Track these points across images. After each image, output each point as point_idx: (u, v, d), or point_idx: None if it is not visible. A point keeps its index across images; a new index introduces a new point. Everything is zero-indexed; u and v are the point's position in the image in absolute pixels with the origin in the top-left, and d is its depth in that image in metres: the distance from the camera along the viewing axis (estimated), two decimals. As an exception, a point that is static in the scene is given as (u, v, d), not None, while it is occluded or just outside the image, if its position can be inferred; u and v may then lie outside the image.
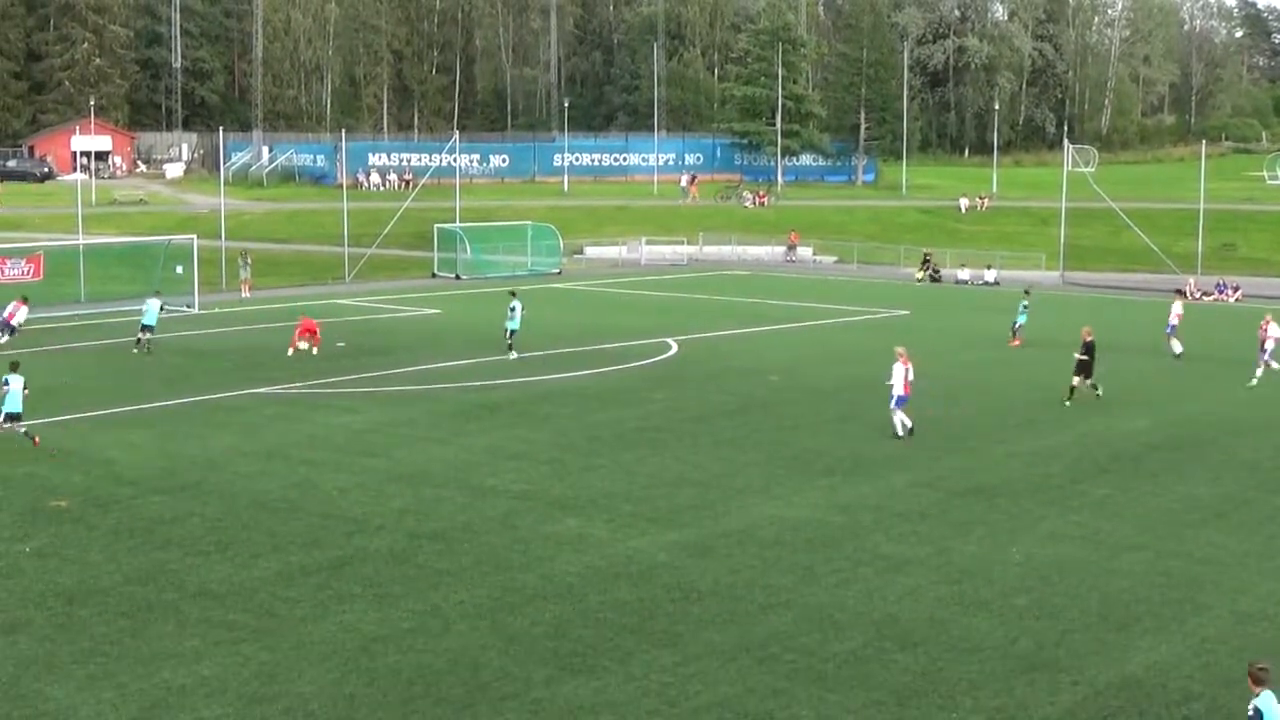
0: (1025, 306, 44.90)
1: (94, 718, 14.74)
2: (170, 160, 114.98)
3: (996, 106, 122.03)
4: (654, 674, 16.04)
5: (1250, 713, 12.59)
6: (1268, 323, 37.26)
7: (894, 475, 25.73)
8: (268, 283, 59.04)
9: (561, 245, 69.89)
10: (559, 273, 67.42)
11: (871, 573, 19.87)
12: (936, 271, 69.40)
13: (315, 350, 39.57)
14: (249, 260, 57.71)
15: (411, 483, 24.67)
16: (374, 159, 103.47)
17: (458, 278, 64.34)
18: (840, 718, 15.01)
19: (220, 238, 61.21)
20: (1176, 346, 41.23)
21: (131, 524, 21.87)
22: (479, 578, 19.41)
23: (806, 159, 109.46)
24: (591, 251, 75.85)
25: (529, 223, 72.39)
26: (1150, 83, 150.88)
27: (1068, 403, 32.64)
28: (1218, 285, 62.54)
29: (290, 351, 39.45)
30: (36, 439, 26.99)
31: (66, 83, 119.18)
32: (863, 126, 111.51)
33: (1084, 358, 33.07)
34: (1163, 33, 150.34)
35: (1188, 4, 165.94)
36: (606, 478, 25.30)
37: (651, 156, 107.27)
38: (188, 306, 50.37)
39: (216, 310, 50.83)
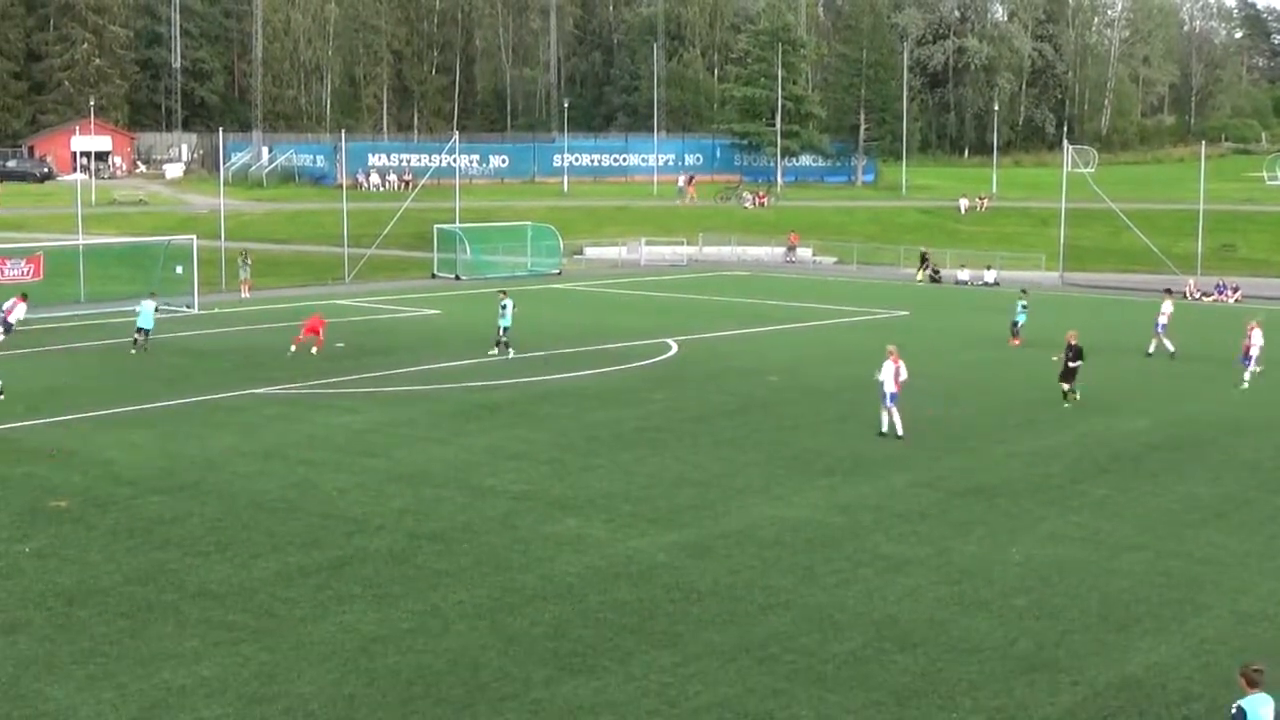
0: (1024, 306, 44.96)
1: (94, 718, 14.74)
2: (170, 160, 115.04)
3: (996, 107, 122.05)
4: (654, 674, 16.03)
5: (1233, 712, 12.18)
6: (1253, 328, 37.06)
7: (894, 475, 25.72)
8: (267, 283, 59.05)
9: (561, 246, 69.89)
10: (559, 273, 67.42)
11: (871, 573, 19.86)
12: (936, 272, 69.39)
13: (316, 350, 39.55)
14: (249, 261, 57.72)
15: (411, 483, 24.66)
16: (374, 159, 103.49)
17: (457, 278, 64.34)
18: (840, 718, 15.00)
19: (220, 238, 61.21)
20: (1169, 345, 41.20)
21: (131, 524, 21.86)
22: (479, 578, 19.41)
23: (806, 160, 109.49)
24: (591, 252, 75.85)
25: (529, 223, 72.40)
26: (1150, 83, 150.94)
27: (1067, 404, 32.62)
28: (1217, 286, 62.53)
29: (292, 349, 39.37)
30: None
31: (66, 83, 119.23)
32: (862, 127, 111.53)
33: (1074, 364, 32.79)
34: (1162, 33, 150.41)
35: (1187, 5, 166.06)
36: (606, 478, 25.30)
37: (651, 157, 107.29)
38: (187, 307, 50.37)
39: (216, 310, 50.83)
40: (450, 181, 74.08)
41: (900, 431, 28.86)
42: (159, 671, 15.91)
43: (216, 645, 16.71)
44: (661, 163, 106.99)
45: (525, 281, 63.39)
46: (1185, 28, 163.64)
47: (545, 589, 18.97)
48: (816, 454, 27.49)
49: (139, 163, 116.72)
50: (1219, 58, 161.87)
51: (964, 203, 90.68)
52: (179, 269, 52.59)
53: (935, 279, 68.67)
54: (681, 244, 77.61)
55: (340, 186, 74.83)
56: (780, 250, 78.45)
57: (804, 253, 78.25)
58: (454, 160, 74.96)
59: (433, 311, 51.65)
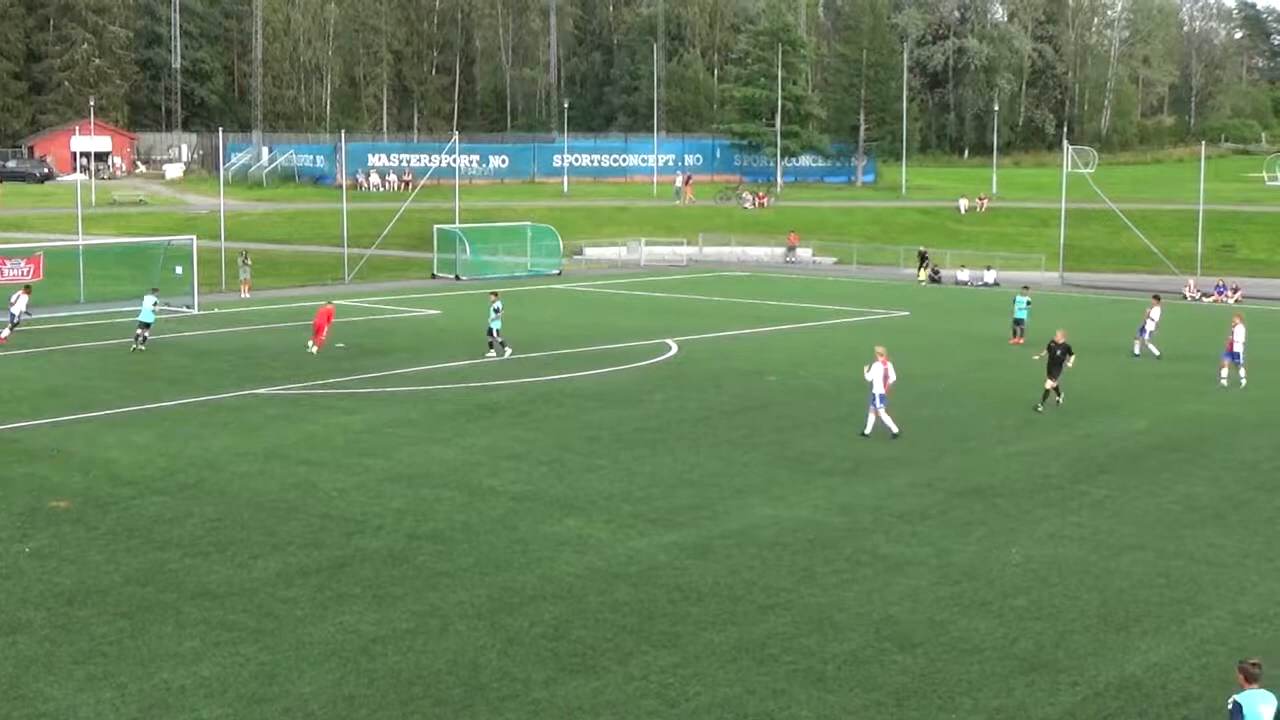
0: (1028, 303, 44.97)
1: (93, 718, 14.74)
2: (170, 161, 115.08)
3: (996, 107, 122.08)
4: (653, 675, 16.04)
5: (1229, 706, 12.10)
6: (1236, 324, 36.94)
7: (894, 476, 25.73)
8: (267, 283, 59.07)
9: (561, 246, 69.91)
10: (559, 273, 67.44)
11: (871, 574, 19.87)
12: (936, 272, 69.36)
13: (315, 348, 39.57)
14: (248, 261, 57.73)
15: (411, 483, 24.67)
16: (374, 160, 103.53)
17: (457, 278, 64.34)
18: (840, 718, 15.01)
19: (220, 238, 61.23)
20: (1153, 350, 41.17)
21: (131, 524, 21.86)
22: (478, 578, 19.41)
23: (806, 160, 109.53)
24: (591, 252, 75.86)
25: (528, 223, 72.44)
26: (1150, 84, 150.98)
27: (1040, 409, 32.18)
28: (1217, 286, 62.53)
29: (315, 349, 39.45)
30: None
31: (66, 83, 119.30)
32: (862, 127, 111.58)
33: (1066, 359, 32.43)
34: (1162, 34, 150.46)
35: (1187, 5, 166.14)
36: (606, 478, 25.30)
37: (651, 157, 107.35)
38: (187, 307, 50.37)
39: (216, 311, 50.83)
40: (450, 182, 74.09)
41: (895, 430, 28.87)
42: (159, 671, 15.91)
43: (216, 645, 16.71)
44: (661, 163, 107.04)
45: (525, 282, 63.44)
46: (1185, 28, 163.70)
47: (545, 589, 18.97)
48: (816, 454, 27.50)
49: (139, 163, 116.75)
50: (1219, 58, 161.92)
51: (964, 203, 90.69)
52: (179, 269, 52.59)
53: (935, 279, 68.66)
54: (681, 244, 77.64)
55: (340, 187, 74.83)
56: (780, 250, 78.46)
57: (804, 253, 78.27)
58: (454, 160, 74.97)
59: (432, 312, 51.66)
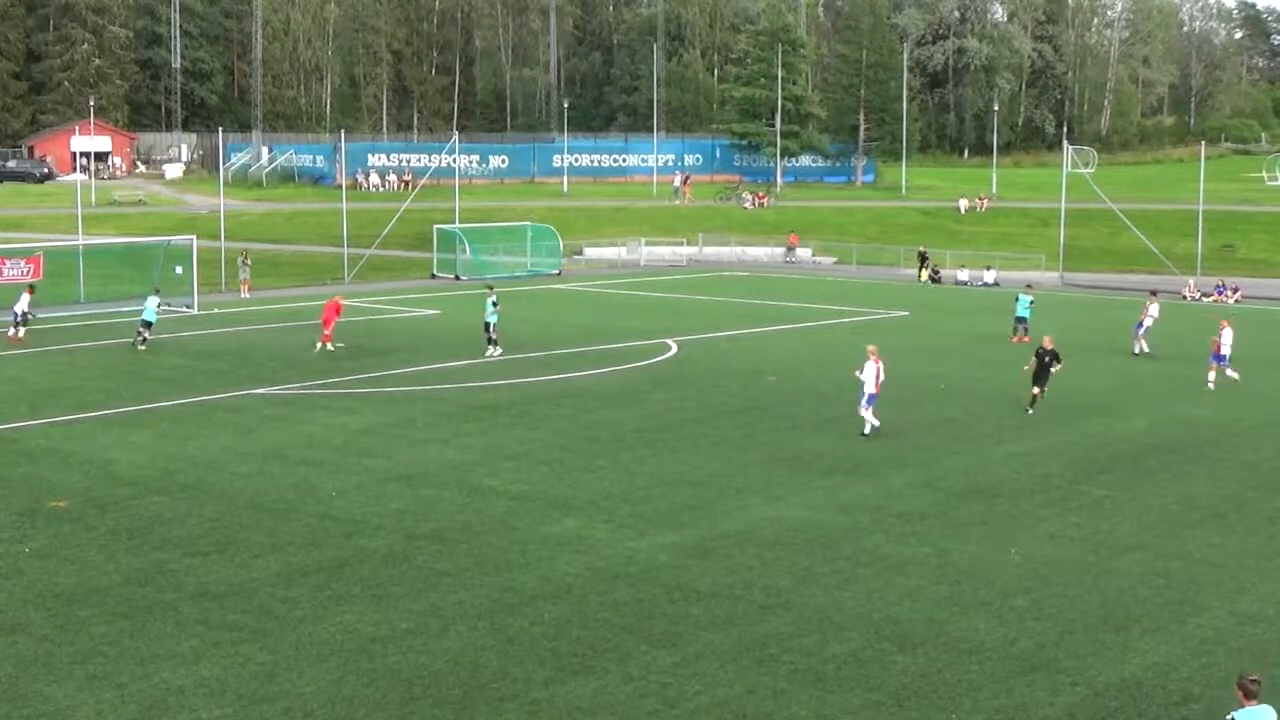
0: (1031, 302, 44.95)
1: (93, 718, 14.73)
2: (170, 161, 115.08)
3: (996, 107, 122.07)
4: (653, 675, 16.03)
5: None
6: (1224, 327, 36.80)
7: (893, 476, 25.73)
8: (267, 283, 59.07)
9: (561, 246, 69.91)
10: (558, 273, 67.44)
11: (871, 574, 19.86)
12: (936, 272, 69.38)
13: (321, 344, 39.69)
14: (248, 261, 57.74)
15: (410, 483, 24.66)
16: (373, 160, 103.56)
17: (457, 278, 64.33)
18: (840, 718, 15.00)
19: (220, 238, 61.24)
20: (1144, 346, 41.27)
21: (130, 524, 21.86)
22: (478, 578, 19.40)
23: (806, 160, 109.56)
24: (591, 252, 75.87)
25: (528, 223, 72.44)
26: (1150, 84, 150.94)
27: (1030, 411, 31.98)
28: (1217, 286, 62.53)
29: (330, 347, 39.58)
30: None
31: (66, 83, 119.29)
32: (862, 127, 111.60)
33: (1053, 366, 32.26)
34: (1162, 34, 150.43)
35: (1187, 5, 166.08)
36: (606, 478, 25.29)
37: (651, 157, 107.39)
38: (187, 307, 50.37)
39: (216, 311, 50.82)
40: (450, 182, 74.09)
41: (872, 426, 28.96)
42: (158, 672, 15.91)
43: (216, 645, 16.71)
44: (661, 163, 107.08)
45: (525, 282, 63.43)
46: (1185, 28, 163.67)
47: (545, 589, 18.97)
48: (816, 454, 27.50)
49: (139, 163, 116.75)
50: (1219, 58, 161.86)
51: (964, 203, 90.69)
52: (178, 269, 52.59)
53: (935, 279, 68.67)
54: (681, 244, 77.64)
55: (340, 187, 74.84)
56: (780, 251, 78.47)
57: (803, 253, 78.28)
58: (454, 160, 74.98)
59: (432, 312, 51.65)
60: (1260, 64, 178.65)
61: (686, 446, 28.03)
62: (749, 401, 33.26)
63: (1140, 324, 42.04)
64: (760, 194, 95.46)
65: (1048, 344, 32.51)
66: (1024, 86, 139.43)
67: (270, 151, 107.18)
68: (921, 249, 71.58)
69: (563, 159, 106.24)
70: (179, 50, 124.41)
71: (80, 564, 19.86)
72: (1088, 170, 73.83)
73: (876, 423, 29.08)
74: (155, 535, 21.31)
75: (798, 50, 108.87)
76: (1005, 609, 18.43)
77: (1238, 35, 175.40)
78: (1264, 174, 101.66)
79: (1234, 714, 12.12)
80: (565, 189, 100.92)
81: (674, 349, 41.87)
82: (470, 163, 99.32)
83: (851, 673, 16.20)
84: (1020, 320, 44.65)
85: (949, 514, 23.17)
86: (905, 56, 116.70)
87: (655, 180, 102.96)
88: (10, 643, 16.75)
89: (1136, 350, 41.59)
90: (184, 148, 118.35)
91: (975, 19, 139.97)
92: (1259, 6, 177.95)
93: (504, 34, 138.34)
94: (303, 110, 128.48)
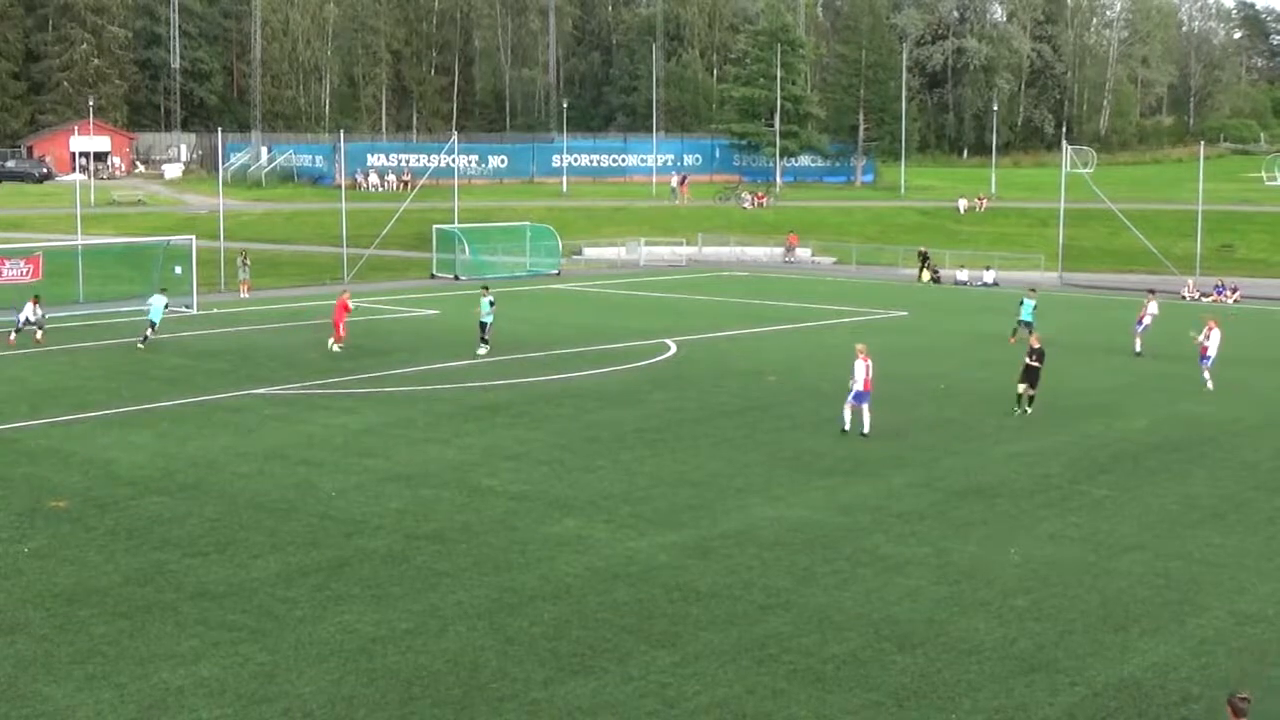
0: (1035, 306, 44.84)
1: (93, 718, 14.73)
2: (169, 161, 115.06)
3: (995, 107, 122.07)
4: (653, 675, 16.03)
5: None
6: (1210, 328, 36.69)
7: (893, 476, 25.73)
8: (266, 283, 59.06)
9: (560, 246, 69.89)
10: (558, 273, 67.42)
11: (870, 574, 19.86)
12: (936, 272, 69.37)
13: (333, 341, 39.93)
14: (248, 261, 57.72)
15: (410, 483, 24.66)
16: (373, 160, 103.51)
17: (456, 279, 64.31)
18: (839, 718, 15.00)
19: (219, 238, 61.23)
20: (1138, 345, 41.39)
21: (130, 524, 21.86)
22: (477, 578, 19.40)
23: (805, 160, 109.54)
24: (590, 252, 75.85)
25: (527, 224, 72.40)
26: (1149, 84, 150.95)
27: (1018, 411, 31.90)
28: (1216, 287, 62.53)
29: (338, 347, 39.68)
30: None
31: (65, 83, 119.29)
32: (861, 127, 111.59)
33: (1034, 364, 32.22)
34: (1161, 34, 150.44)
35: (1186, 5, 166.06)
36: (605, 478, 25.29)
37: (650, 157, 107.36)
38: (186, 307, 50.35)
39: (215, 311, 50.81)
40: (449, 182, 74.08)
41: (847, 426, 29.02)
42: (158, 672, 15.91)
43: (216, 645, 16.71)
44: (660, 163, 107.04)
45: (524, 282, 63.43)
46: (1184, 28, 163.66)
47: (544, 589, 18.97)
48: (816, 454, 27.50)
49: (138, 163, 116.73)
50: (1218, 58, 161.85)
51: (963, 203, 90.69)
52: (178, 269, 52.56)
53: (935, 279, 68.66)
54: (680, 244, 77.63)
55: (339, 187, 74.81)
56: (779, 251, 78.46)
57: (803, 253, 78.26)
58: (453, 161, 74.96)
59: (431, 312, 51.64)
60: (1259, 64, 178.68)
61: (686, 446, 28.04)
62: (749, 401, 33.25)
63: (1140, 322, 42.17)
64: (759, 194, 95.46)
65: (1034, 343, 32.63)
66: (1023, 86, 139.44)
67: (269, 151, 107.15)
68: (922, 249, 71.56)
69: (562, 159, 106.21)
70: (178, 50, 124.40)
71: (80, 564, 19.85)
72: (1087, 170, 73.79)
73: (849, 425, 28.98)
74: (155, 535, 21.31)
75: (797, 50, 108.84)
76: (1005, 609, 18.43)
77: (1237, 35, 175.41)
78: (1263, 174, 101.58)
79: None
80: (564, 189, 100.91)
81: (674, 349, 41.87)
82: (469, 163, 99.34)
83: (851, 673, 16.20)
84: (1024, 324, 44.41)
85: (949, 514, 23.18)
86: (904, 56, 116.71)
87: (654, 180, 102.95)
88: (9, 643, 16.75)
89: (1137, 349, 41.64)
90: (183, 148, 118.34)
91: (974, 19, 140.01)
92: (1258, 6, 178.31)
93: (503, 34, 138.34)
94: (302, 110, 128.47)
